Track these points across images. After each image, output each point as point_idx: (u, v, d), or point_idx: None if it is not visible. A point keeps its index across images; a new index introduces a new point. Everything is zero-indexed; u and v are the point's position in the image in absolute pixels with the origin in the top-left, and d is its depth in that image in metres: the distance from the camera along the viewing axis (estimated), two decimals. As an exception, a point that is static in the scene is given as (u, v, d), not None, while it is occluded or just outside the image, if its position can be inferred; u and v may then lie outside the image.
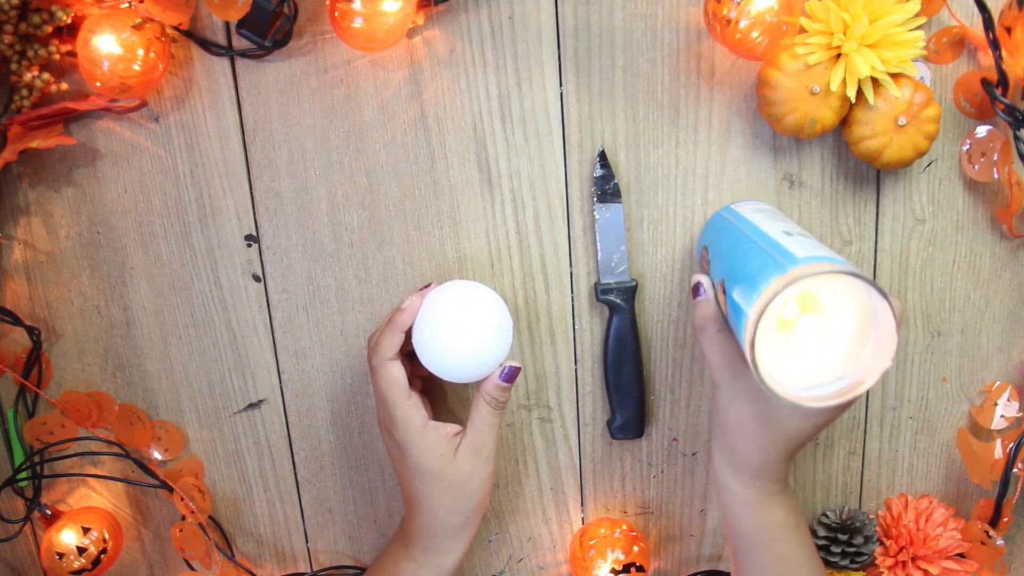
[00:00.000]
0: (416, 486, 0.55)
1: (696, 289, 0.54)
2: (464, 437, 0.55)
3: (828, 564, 0.63)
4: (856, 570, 0.63)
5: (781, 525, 0.54)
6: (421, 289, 0.56)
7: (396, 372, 0.53)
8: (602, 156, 0.57)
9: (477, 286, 0.55)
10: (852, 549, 0.62)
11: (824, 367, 0.46)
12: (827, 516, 0.64)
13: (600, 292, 0.59)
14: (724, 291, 0.49)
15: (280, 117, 0.57)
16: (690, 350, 0.62)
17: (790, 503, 0.55)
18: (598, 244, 0.59)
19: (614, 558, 0.62)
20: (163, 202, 0.59)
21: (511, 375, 0.55)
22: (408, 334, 0.54)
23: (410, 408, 0.54)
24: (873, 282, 0.42)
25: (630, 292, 0.59)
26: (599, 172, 0.57)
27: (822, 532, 0.63)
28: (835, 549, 0.62)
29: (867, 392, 0.63)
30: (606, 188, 0.58)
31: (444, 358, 0.53)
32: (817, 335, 0.47)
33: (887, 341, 0.44)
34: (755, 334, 0.43)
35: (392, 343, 0.53)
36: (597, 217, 0.58)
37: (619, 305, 0.59)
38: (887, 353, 0.44)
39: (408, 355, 0.55)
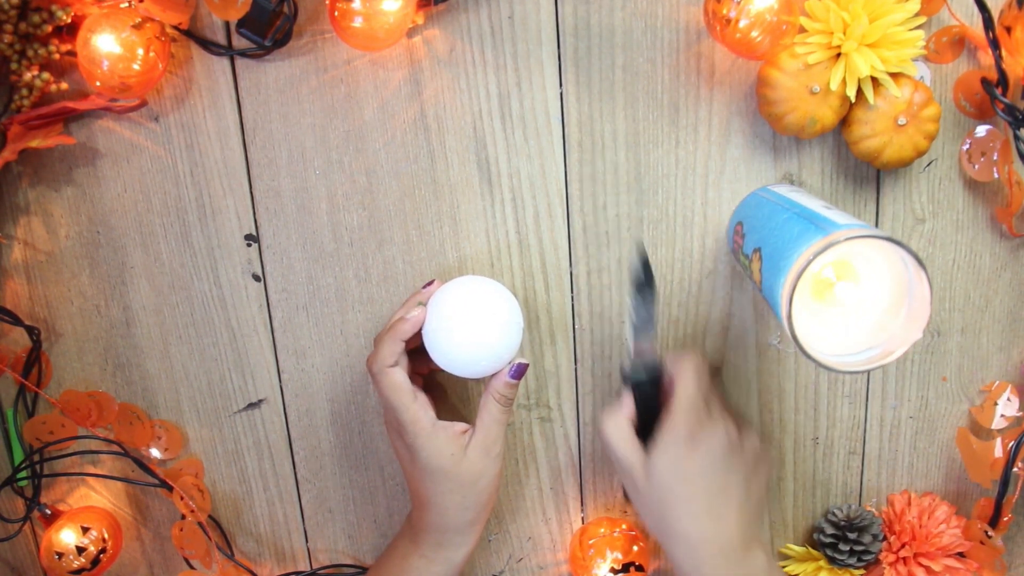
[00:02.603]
0: (427, 486, 0.55)
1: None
2: (473, 435, 0.55)
3: (834, 562, 0.63)
4: (861, 568, 0.63)
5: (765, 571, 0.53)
6: (424, 287, 0.56)
7: (398, 378, 0.53)
8: (644, 262, 0.53)
9: (490, 282, 0.55)
10: (860, 547, 0.62)
11: (854, 337, 0.47)
12: (834, 514, 0.64)
13: None
14: (760, 259, 0.49)
15: (280, 117, 0.57)
16: (690, 350, 0.62)
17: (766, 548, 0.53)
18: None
19: (614, 557, 0.62)
20: (163, 202, 0.59)
21: (519, 372, 0.54)
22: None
23: (417, 410, 0.53)
24: (912, 251, 0.42)
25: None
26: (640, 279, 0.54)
27: (829, 530, 0.63)
28: (843, 547, 0.62)
29: (867, 392, 0.63)
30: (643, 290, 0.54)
31: (456, 353, 0.53)
32: (850, 304, 0.47)
33: (920, 313, 0.44)
34: (794, 291, 0.43)
35: (392, 351, 0.53)
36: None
37: None
38: (919, 325, 0.44)
39: (409, 353, 0.55)
